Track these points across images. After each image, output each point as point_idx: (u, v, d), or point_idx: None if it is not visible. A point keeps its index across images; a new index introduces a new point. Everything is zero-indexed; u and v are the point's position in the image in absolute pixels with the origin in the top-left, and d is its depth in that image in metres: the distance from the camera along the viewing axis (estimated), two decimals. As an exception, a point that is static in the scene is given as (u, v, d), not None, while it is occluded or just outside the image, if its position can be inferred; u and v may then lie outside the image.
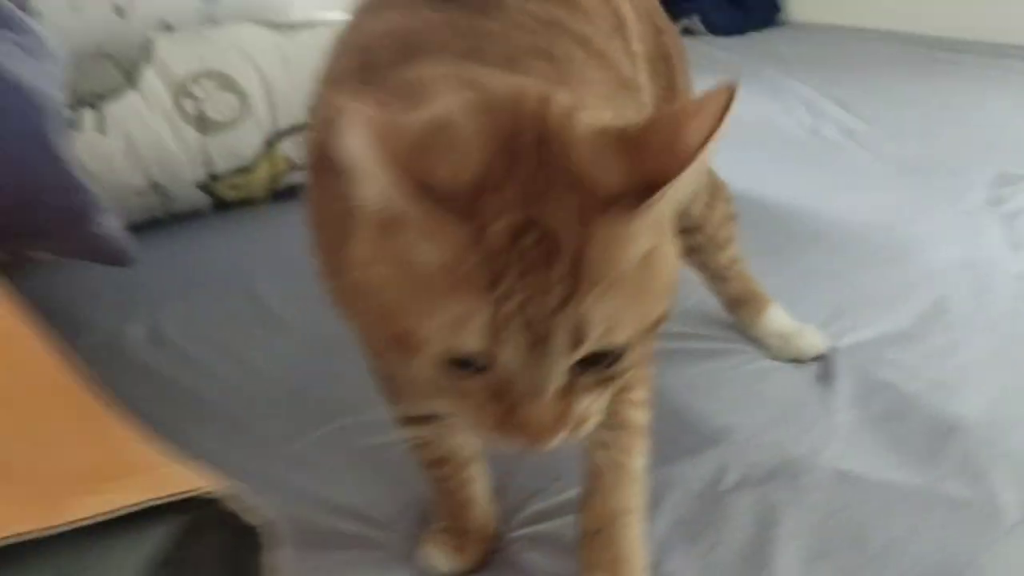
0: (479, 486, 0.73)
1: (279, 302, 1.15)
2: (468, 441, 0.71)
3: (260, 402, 0.95)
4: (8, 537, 0.34)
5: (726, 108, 0.42)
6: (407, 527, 0.76)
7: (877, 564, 0.67)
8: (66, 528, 0.36)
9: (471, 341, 0.41)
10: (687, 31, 2.41)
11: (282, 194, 1.44)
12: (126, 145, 1.26)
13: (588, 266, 0.41)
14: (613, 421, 0.61)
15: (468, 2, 0.62)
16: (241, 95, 1.34)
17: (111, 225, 0.90)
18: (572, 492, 0.75)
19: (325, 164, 0.52)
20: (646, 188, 0.41)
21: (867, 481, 0.75)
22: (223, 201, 1.40)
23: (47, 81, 0.76)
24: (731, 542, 0.70)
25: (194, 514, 0.42)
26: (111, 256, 0.93)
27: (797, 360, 0.94)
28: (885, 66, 2.05)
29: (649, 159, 0.42)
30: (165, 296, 1.16)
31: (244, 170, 1.38)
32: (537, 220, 0.40)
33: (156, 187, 1.31)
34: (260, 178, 1.40)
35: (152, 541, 0.41)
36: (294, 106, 1.37)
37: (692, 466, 0.77)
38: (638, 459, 0.65)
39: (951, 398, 0.84)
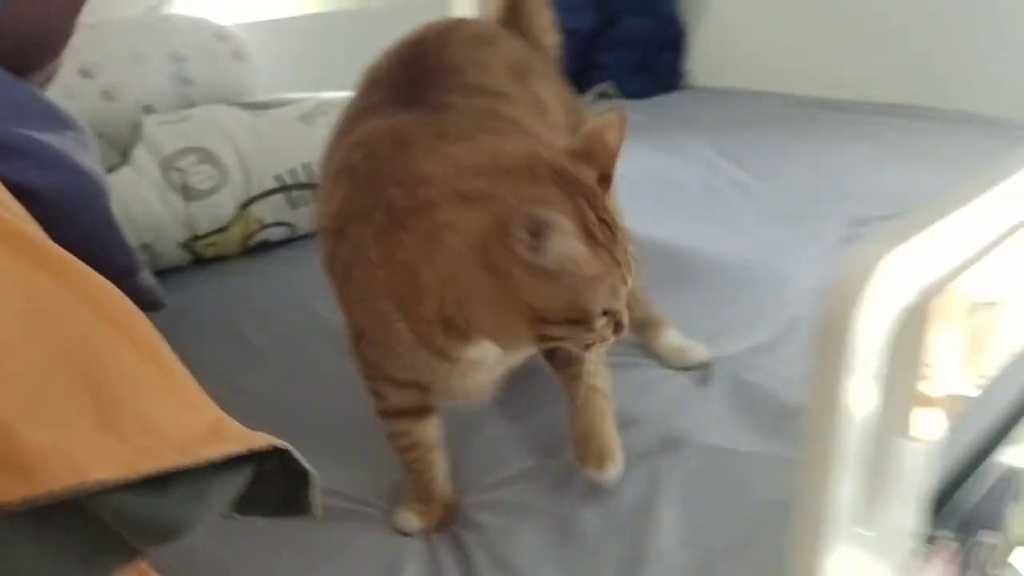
0: (440, 467, 0.96)
1: (257, 338, 1.37)
2: (431, 432, 0.95)
3: (252, 419, 1.16)
4: (168, 468, 0.56)
5: (625, 123, 0.80)
6: (385, 503, 0.98)
7: (732, 506, 0.92)
8: (196, 464, 0.57)
9: (617, 294, 0.77)
10: (603, 95, 2.72)
11: (251, 250, 1.67)
12: (122, 212, 1.45)
13: (619, 229, 0.77)
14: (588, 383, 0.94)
15: (429, 106, 0.89)
16: (220, 166, 1.56)
17: (148, 278, 1.11)
18: (513, 469, 1.00)
19: (344, 227, 0.83)
20: (607, 176, 0.78)
21: (730, 451, 1.00)
22: (200, 257, 1.61)
23: (98, 166, 0.98)
24: (629, 497, 0.94)
25: (267, 463, 0.64)
26: (148, 304, 1.13)
27: (686, 368, 1.20)
28: (772, 125, 2.37)
29: (600, 159, 0.78)
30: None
31: (221, 230, 1.59)
32: (601, 216, 0.76)
33: (146, 247, 1.52)
34: (234, 236, 1.62)
35: (240, 481, 0.62)
36: (265, 174, 1.61)
37: (601, 446, 1.01)
38: (604, 382, 0.96)
39: (797, 392, 1.11)
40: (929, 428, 0.73)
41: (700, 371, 1.19)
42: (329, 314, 1.36)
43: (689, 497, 0.94)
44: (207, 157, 1.55)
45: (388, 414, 0.94)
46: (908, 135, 2.16)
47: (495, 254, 0.73)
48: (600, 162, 0.78)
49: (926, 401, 0.72)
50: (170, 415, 0.61)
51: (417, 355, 0.83)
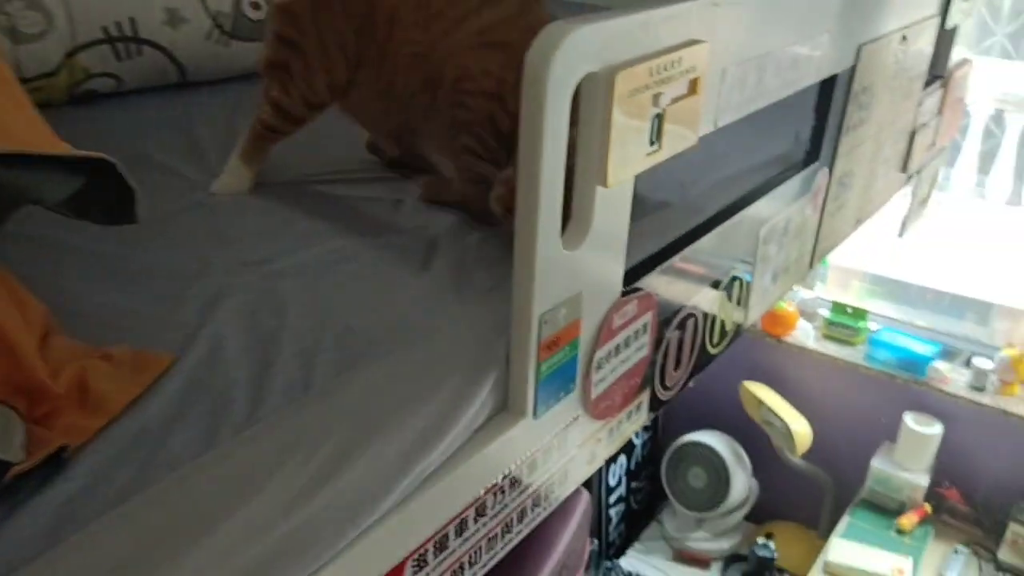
0: None
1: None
2: None
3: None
4: (24, 151, 0.73)
5: None
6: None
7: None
8: (45, 154, 0.75)
9: None
10: None
11: (78, 99, 1.77)
12: (-51, 50, 1.53)
13: None
14: None
15: None
16: (45, 12, 1.65)
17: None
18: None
19: None
20: None
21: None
22: (28, 103, 1.70)
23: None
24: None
25: (98, 174, 0.82)
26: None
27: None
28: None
29: None
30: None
31: (48, 75, 1.68)
32: None
33: (-28, 85, 1.59)
34: (60, 83, 1.71)
35: (75, 183, 0.80)
36: (91, 25, 1.70)
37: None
38: None
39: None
40: (616, 179, 0.97)
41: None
42: (157, 153, 1.51)
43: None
44: (32, 4, 1.64)
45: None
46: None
47: None
48: None
49: (615, 155, 0.95)
50: (26, 129, 0.78)
51: None
